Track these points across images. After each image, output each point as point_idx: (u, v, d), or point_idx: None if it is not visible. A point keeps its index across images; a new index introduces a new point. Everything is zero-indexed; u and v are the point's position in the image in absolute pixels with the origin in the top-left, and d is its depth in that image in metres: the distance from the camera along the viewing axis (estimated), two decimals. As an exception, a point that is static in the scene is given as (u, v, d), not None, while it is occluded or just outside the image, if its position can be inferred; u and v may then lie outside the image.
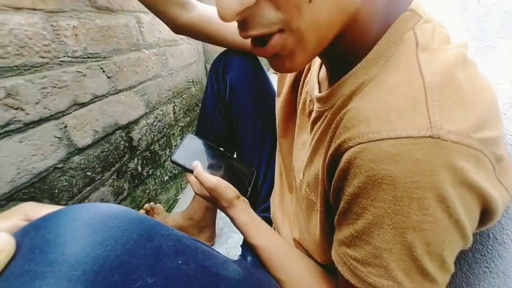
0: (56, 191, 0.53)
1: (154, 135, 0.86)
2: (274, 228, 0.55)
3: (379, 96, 0.24)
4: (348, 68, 0.28)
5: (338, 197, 0.27)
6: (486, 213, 0.23)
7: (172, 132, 0.98)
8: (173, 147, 0.99)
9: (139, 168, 0.80)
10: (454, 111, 0.20)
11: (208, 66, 1.30)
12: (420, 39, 0.24)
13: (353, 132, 0.24)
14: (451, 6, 0.43)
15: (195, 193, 0.51)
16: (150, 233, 0.20)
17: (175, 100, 0.99)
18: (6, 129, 0.44)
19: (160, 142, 0.90)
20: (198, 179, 0.49)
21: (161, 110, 0.90)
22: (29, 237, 0.17)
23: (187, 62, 1.09)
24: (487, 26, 0.35)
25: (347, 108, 0.26)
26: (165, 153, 0.94)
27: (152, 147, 0.86)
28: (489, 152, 0.21)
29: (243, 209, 0.48)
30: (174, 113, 0.99)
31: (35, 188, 0.49)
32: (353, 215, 0.25)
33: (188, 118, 1.10)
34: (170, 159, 0.51)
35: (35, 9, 0.48)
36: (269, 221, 0.56)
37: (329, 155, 0.28)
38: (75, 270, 0.15)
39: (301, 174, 0.40)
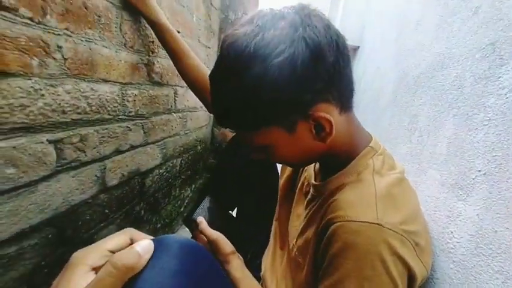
0: (80, 223, 0.60)
1: (161, 184, 0.96)
2: (262, 285, 0.63)
3: (352, 195, 0.40)
4: (333, 172, 0.46)
5: (323, 256, 0.40)
6: (410, 280, 0.37)
7: (174, 183, 1.08)
8: (171, 196, 1.08)
9: (142, 212, 0.87)
10: (389, 211, 0.37)
11: (215, 129, 1.50)
12: (376, 166, 0.42)
13: (336, 214, 0.39)
14: (402, 138, 0.65)
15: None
16: (216, 263, 0.31)
17: (184, 155, 1.13)
18: (69, 165, 0.55)
19: (163, 191, 0.99)
20: (202, 233, 0.58)
21: (171, 162, 1.02)
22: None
23: (200, 125, 1.28)
24: (422, 157, 0.55)
25: (333, 198, 0.42)
26: (164, 201, 1.02)
27: (156, 194, 0.95)
28: (410, 238, 0.36)
29: (237, 265, 0.56)
30: (181, 166, 1.11)
31: (66, 218, 0.57)
32: (332, 269, 0.38)
33: (189, 172, 1.22)
34: (190, 218, 0.60)
35: (116, 82, 0.65)
36: (257, 279, 0.64)
37: (320, 226, 0.42)
38: (187, 275, 0.26)
39: (295, 240, 0.53)
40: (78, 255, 0.25)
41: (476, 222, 0.37)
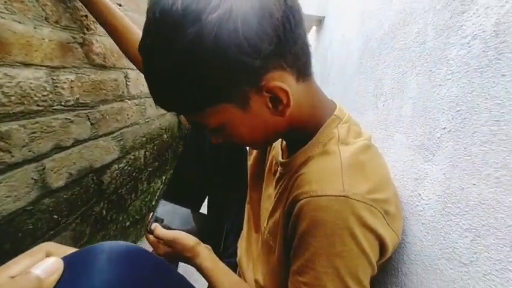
0: (21, 234, 0.52)
1: (123, 179, 0.88)
2: (238, 272, 0.61)
3: (317, 168, 0.37)
4: (299, 146, 0.42)
5: (292, 236, 0.37)
6: (382, 249, 0.35)
7: (140, 177, 1.00)
8: (139, 191, 1.00)
9: (104, 212, 0.79)
10: (356, 181, 0.34)
11: (181, 116, 1.41)
12: (341, 135, 0.39)
13: (302, 190, 0.35)
14: (369, 105, 0.63)
15: (159, 255, 0.51)
16: (164, 267, 0.26)
17: (147, 146, 1.04)
18: (-10, 170, 0.45)
19: (127, 186, 0.91)
20: (158, 239, 0.51)
21: (133, 155, 0.93)
22: (70, 265, 0.22)
23: (163, 111, 1.18)
24: (388, 121, 0.53)
25: (298, 173, 0.38)
26: (131, 197, 0.94)
27: (119, 191, 0.86)
28: (379, 207, 0.34)
29: (206, 255, 0.52)
30: (145, 157, 1.03)
31: (0, 231, 0.48)
32: (302, 249, 0.35)
33: (157, 163, 1.14)
34: (147, 229, 0.52)
35: (41, 65, 0.54)
36: (233, 266, 0.61)
37: (287, 204, 0.39)
38: None
39: (266, 222, 0.50)
40: None
41: (443, 181, 0.35)
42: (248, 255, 0.60)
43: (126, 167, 0.89)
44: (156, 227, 0.52)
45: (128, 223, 0.94)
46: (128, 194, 0.92)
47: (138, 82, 0.93)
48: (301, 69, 0.37)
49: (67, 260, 0.22)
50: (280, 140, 0.53)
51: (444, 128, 0.36)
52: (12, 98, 0.48)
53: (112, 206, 0.83)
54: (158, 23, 0.29)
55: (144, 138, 1.01)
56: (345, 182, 0.33)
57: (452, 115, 0.35)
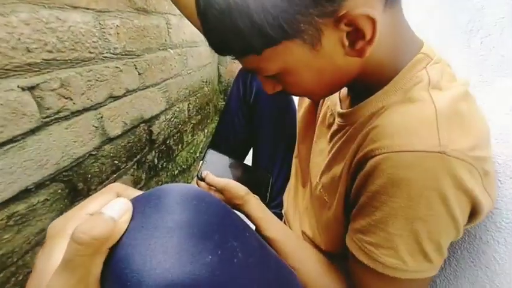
0: (89, 176, 0.57)
1: (171, 131, 0.91)
2: (284, 222, 0.61)
3: (401, 118, 0.30)
4: (368, 93, 0.35)
5: (358, 194, 0.33)
6: (473, 214, 0.30)
7: (185, 129, 1.02)
8: (184, 142, 1.04)
9: (155, 161, 0.84)
10: (456, 134, 0.27)
11: (221, 67, 1.36)
12: (432, 78, 0.31)
13: (378, 144, 0.30)
14: (457, 43, 0.50)
15: None
16: (227, 209, 0.25)
17: (190, 98, 1.04)
18: (57, 116, 0.48)
19: (174, 137, 0.95)
20: (210, 186, 0.53)
21: (178, 107, 0.94)
22: (139, 207, 0.22)
23: (203, 63, 1.14)
24: (487, 65, 0.42)
25: (372, 125, 0.32)
26: (178, 148, 0.99)
27: (168, 142, 0.90)
28: (479, 167, 0.27)
29: (256, 204, 0.53)
30: (188, 110, 1.03)
31: (73, 172, 0.53)
32: (371, 208, 0.31)
33: (199, 116, 1.15)
34: (198, 176, 0.54)
35: (88, 9, 0.52)
36: (279, 216, 0.62)
37: (354, 161, 0.34)
38: (189, 228, 0.20)
39: (318, 177, 0.47)
40: (55, 225, 0.20)
41: None
42: (295, 207, 0.60)
43: (172, 119, 0.91)
44: (207, 174, 0.53)
45: (176, 172, 1.00)
46: (175, 145, 0.96)
47: (179, 30, 0.88)
48: None
49: (136, 201, 0.22)
50: None
51: None
52: (66, 43, 0.48)
53: (162, 156, 0.88)
54: None
55: (187, 91, 1.00)
56: (442, 135, 0.27)
57: None
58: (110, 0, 0.57)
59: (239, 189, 0.51)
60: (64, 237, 0.20)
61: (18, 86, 0.41)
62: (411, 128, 0.28)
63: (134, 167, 0.73)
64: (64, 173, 0.51)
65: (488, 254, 0.35)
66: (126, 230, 0.20)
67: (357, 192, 0.34)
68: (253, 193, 0.54)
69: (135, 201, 0.22)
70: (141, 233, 0.19)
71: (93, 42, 0.54)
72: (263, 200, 0.57)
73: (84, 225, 0.17)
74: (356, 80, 0.35)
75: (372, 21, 0.26)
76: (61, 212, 0.51)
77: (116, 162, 0.65)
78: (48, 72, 0.45)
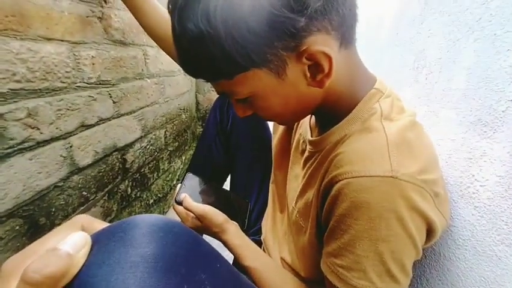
0: (53, 210, 0.54)
1: (146, 158, 0.89)
2: (264, 250, 0.60)
3: (359, 146, 0.33)
4: (332, 123, 0.38)
5: (328, 218, 0.35)
6: (430, 232, 0.33)
7: (161, 156, 1.01)
8: (160, 170, 1.01)
9: (129, 190, 0.81)
10: (405, 160, 0.30)
11: (199, 95, 1.39)
12: (384, 110, 0.35)
13: (341, 170, 0.32)
14: (407, 79, 0.57)
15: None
16: (197, 239, 0.25)
17: (167, 126, 1.04)
18: (21, 146, 0.46)
19: (150, 165, 0.92)
20: (187, 210, 0.51)
21: (154, 134, 0.93)
22: (101, 241, 0.21)
23: (181, 91, 1.16)
24: (432, 98, 0.48)
25: (336, 152, 0.35)
26: (153, 176, 0.96)
27: (142, 170, 0.88)
28: (429, 189, 0.31)
29: (234, 232, 0.52)
30: (165, 137, 1.03)
31: (34, 206, 0.49)
32: (340, 231, 0.33)
33: (176, 143, 1.14)
34: (175, 200, 0.52)
35: (63, 40, 0.53)
36: (258, 243, 0.61)
37: (322, 185, 0.36)
38: (154, 262, 0.20)
39: (294, 202, 0.48)
40: (9, 263, 0.18)
41: (505, 161, 0.31)
42: (273, 234, 0.60)
43: (148, 146, 0.89)
44: (185, 197, 0.52)
45: (151, 201, 0.96)
46: (151, 173, 0.94)
47: (157, 60, 0.91)
48: (346, 34, 0.32)
49: (100, 234, 0.21)
50: (308, 116, 0.49)
51: (511, 100, 0.31)
52: (37, 73, 0.47)
53: (136, 185, 0.85)
54: None
55: (164, 118, 1.00)
56: (393, 161, 0.30)
57: (523, 84, 0.30)
58: (87, 33, 0.59)
59: (218, 217, 0.50)
60: (17, 279, 0.18)
61: (-21, 117, 0.39)
62: (367, 155, 0.31)
63: (105, 197, 0.70)
64: (23, 208, 0.47)
65: (452, 271, 0.37)
66: (86, 265, 0.19)
67: (327, 216, 0.35)
68: (232, 219, 0.53)
69: (99, 235, 0.21)
70: (101, 269, 0.18)
71: (66, 72, 0.53)
72: (241, 226, 0.56)
73: (36, 263, 0.16)
74: (320, 109, 0.38)
75: (329, 58, 0.30)
76: (18, 251, 0.46)
77: (84, 193, 0.62)
78: (14, 102, 0.44)
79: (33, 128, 0.48)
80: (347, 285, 0.32)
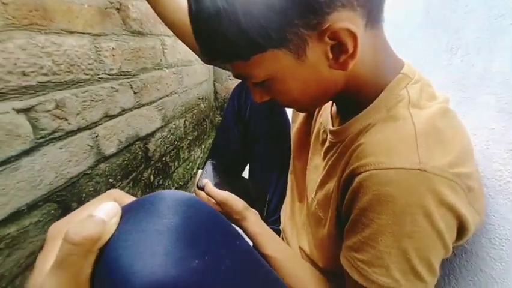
0: (84, 195, 0.57)
1: (167, 147, 0.91)
2: (282, 239, 0.60)
3: (383, 136, 0.31)
4: (355, 111, 0.36)
5: (349, 211, 0.33)
6: (461, 230, 0.30)
7: (181, 145, 1.03)
8: (181, 159, 1.04)
9: (151, 178, 0.84)
10: (435, 152, 0.28)
11: (217, 84, 1.39)
12: (412, 97, 0.32)
13: (364, 162, 0.30)
14: (440, 61, 0.52)
15: None
16: (218, 217, 0.25)
17: (187, 115, 1.06)
18: (52, 136, 0.49)
19: (170, 154, 0.95)
20: (209, 196, 0.52)
21: (174, 124, 0.95)
22: (131, 211, 0.22)
23: (199, 81, 1.16)
24: (468, 82, 0.43)
25: (358, 143, 0.33)
26: (174, 164, 0.99)
27: (164, 159, 0.90)
28: (462, 183, 0.28)
29: (254, 220, 0.52)
30: (185, 127, 1.05)
31: (67, 192, 0.53)
32: (361, 225, 0.31)
33: (196, 132, 1.16)
34: (197, 185, 0.54)
35: (84, 33, 0.54)
36: (277, 232, 0.61)
37: (343, 177, 0.34)
38: (177, 232, 0.20)
39: (314, 193, 0.47)
40: (55, 227, 0.21)
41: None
42: (292, 223, 0.59)
43: (168, 135, 0.92)
44: (207, 183, 0.53)
45: (173, 188, 0.99)
46: (172, 161, 0.97)
47: (175, 50, 0.91)
48: (373, 12, 0.29)
49: (128, 206, 0.23)
50: (329, 104, 0.47)
51: None
52: (62, 66, 0.49)
53: (159, 173, 0.88)
54: None
55: (183, 108, 1.01)
56: (422, 153, 0.27)
57: None
58: (106, 25, 0.60)
59: (238, 204, 0.51)
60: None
61: (13, 109, 0.42)
62: (392, 146, 0.29)
63: (130, 185, 0.73)
64: (57, 193, 0.51)
65: (485, 271, 0.35)
66: (118, 232, 0.20)
67: (347, 209, 0.34)
68: (251, 207, 0.53)
69: (130, 206, 0.22)
70: (132, 235, 0.20)
71: (88, 64, 0.55)
72: (261, 214, 0.56)
73: (76, 227, 0.18)
74: (342, 95, 0.36)
75: (354, 36, 0.28)
76: (54, 233, 0.50)
77: (111, 180, 0.65)
78: (43, 94, 0.47)
79: (61, 119, 0.50)
80: (367, 280, 0.30)
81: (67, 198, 0.53)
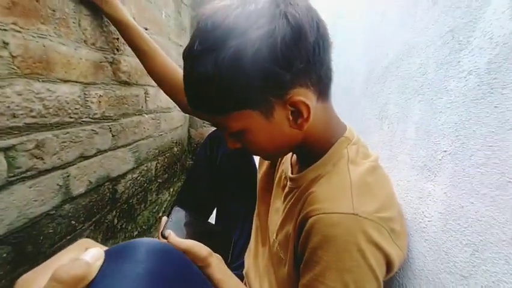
0: (41, 238, 0.55)
1: (135, 189, 0.91)
2: (245, 283, 0.62)
3: (328, 186, 0.40)
4: (309, 162, 0.45)
5: (303, 250, 0.40)
6: (388, 265, 0.38)
7: (150, 187, 1.03)
8: (148, 201, 1.03)
9: (115, 221, 0.82)
10: (365, 200, 0.37)
11: (192, 130, 1.46)
12: (350, 155, 0.42)
13: (313, 207, 0.38)
14: (372, 127, 0.67)
15: None
16: (189, 263, 0.29)
17: (159, 158, 1.08)
18: (24, 175, 0.49)
19: (138, 196, 0.94)
20: (173, 246, 0.55)
21: (146, 166, 0.97)
22: (112, 256, 0.25)
23: (175, 126, 1.23)
24: (393, 143, 0.57)
25: (310, 190, 0.41)
26: (140, 207, 0.97)
27: (130, 201, 0.89)
28: (385, 225, 0.37)
29: (217, 266, 0.54)
30: (156, 169, 1.06)
31: (24, 233, 0.51)
32: (313, 262, 0.37)
33: (166, 175, 1.18)
34: (161, 234, 0.56)
35: (77, 82, 0.60)
36: (241, 278, 0.62)
37: (298, 220, 0.41)
38: (157, 277, 0.24)
39: (275, 235, 0.52)
40: (25, 279, 0.22)
41: (444, 200, 0.38)
42: (255, 267, 0.62)
43: (139, 177, 0.93)
44: (170, 234, 0.55)
45: (136, 233, 0.95)
46: (138, 204, 0.95)
47: (156, 98, 0.99)
48: (322, 90, 0.41)
49: (108, 251, 0.26)
50: (290, 155, 0.56)
51: (445, 151, 0.40)
52: (50, 110, 0.53)
53: (123, 215, 0.86)
54: (209, 33, 0.34)
55: (157, 151, 1.05)
56: (355, 201, 0.36)
57: (452, 139, 0.39)
58: (98, 76, 0.67)
59: (201, 251, 0.53)
60: None
61: (-6, 147, 0.43)
62: (334, 194, 0.38)
63: (92, 227, 0.71)
64: (14, 235, 0.49)
65: None
66: (100, 275, 0.23)
67: (302, 249, 0.40)
68: (215, 252, 0.55)
69: (110, 251, 0.25)
70: (113, 278, 0.23)
71: (75, 108, 0.60)
72: (225, 259, 0.58)
73: (64, 267, 0.21)
74: (300, 149, 0.45)
75: (307, 107, 0.38)
76: (0, 280, 0.47)
77: (73, 222, 0.63)
78: (27, 134, 0.49)
79: (38, 158, 0.52)
80: None
81: (23, 240, 0.51)
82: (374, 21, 0.80)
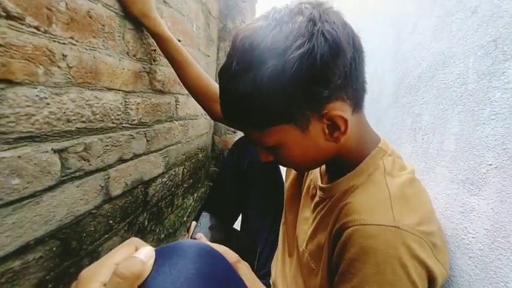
0: (84, 235, 0.59)
1: (164, 193, 0.95)
2: (273, 292, 0.62)
3: (365, 197, 0.39)
4: (341, 173, 0.45)
5: (338, 262, 0.39)
6: (431, 281, 0.36)
7: (177, 192, 1.07)
8: (174, 205, 1.06)
9: (145, 223, 0.85)
10: (406, 212, 0.36)
11: (216, 137, 1.50)
12: (386, 167, 0.42)
13: (350, 218, 0.38)
14: (404, 138, 0.66)
15: None
16: (231, 267, 0.30)
17: (186, 163, 1.12)
18: (73, 175, 0.54)
19: (166, 200, 0.98)
20: None
21: (174, 171, 1.01)
22: (164, 255, 0.27)
23: (201, 133, 1.27)
24: (428, 155, 0.55)
25: (346, 201, 0.41)
26: (168, 210, 1.00)
27: (159, 204, 0.93)
28: (427, 239, 0.35)
29: (245, 273, 0.55)
30: (183, 174, 1.10)
31: (71, 230, 0.55)
32: (350, 274, 0.37)
33: (191, 180, 1.21)
34: (192, 238, 0.58)
35: (119, 90, 0.65)
36: (267, 286, 0.62)
37: (334, 231, 0.41)
38: (207, 277, 0.25)
39: (304, 244, 0.52)
40: (86, 273, 0.24)
41: (491, 215, 0.36)
42: (283, 276, 0.61)
43: (167, 182, 0.96)
44: (201, 237, 0.56)
45: (163, 235, 0.99)
46: (166, 207, 0.99)
47: (185, 106, 1.04)
48: (358, 102, 0.41)
49: (159, 250, 0.27)
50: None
51: (490, 164, 0.38)
52: (97, 116, 0.58)
53: (152, 218, 0.89)
54: (247, 53, 0.35)
55: (184, 156, 1.09)
56: (396, 213, 0.35)
57: (498, 152, 0.37)
58: (137, 84, 0.71)
59: (231, 256, 0.54)
60: (95, 284, 0.23)
61: (52, 149, 0.48)
62: (373, 205, 0.38)
63: (125, 228, 0.74)
64: (63, 230, 0.53)
65: None
66: (155, 273, 0.25)
67: (337, 260, 0.40)
68: (243, 259, 0.56)
69: (160, 251, 0.27)
70: (169, 275, 0.24)
71: (117, 115, 0.64)
72: (251, 267, 0.59)
73: (124, 264, 0.23)
74: (333, 160, 0.45)
75: (345, 120, 0.38)
76: (50, 272, 0.50)
77: (110, 222, 0.67)
78: (77, 138, 0.54)
79: (85, 160, 0.56)
80: None
81: (69, 236, 0.55)
82: (404, 31, 0.79)
